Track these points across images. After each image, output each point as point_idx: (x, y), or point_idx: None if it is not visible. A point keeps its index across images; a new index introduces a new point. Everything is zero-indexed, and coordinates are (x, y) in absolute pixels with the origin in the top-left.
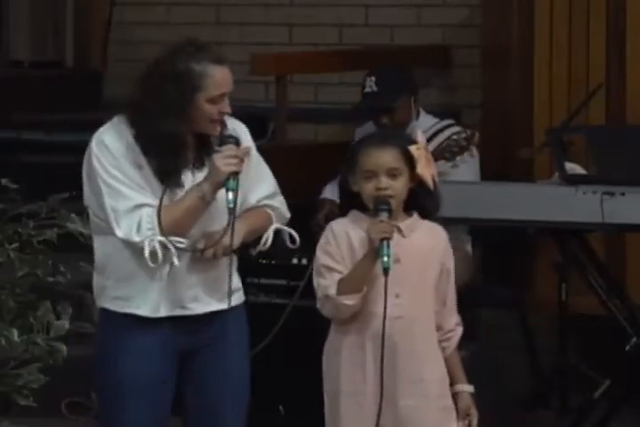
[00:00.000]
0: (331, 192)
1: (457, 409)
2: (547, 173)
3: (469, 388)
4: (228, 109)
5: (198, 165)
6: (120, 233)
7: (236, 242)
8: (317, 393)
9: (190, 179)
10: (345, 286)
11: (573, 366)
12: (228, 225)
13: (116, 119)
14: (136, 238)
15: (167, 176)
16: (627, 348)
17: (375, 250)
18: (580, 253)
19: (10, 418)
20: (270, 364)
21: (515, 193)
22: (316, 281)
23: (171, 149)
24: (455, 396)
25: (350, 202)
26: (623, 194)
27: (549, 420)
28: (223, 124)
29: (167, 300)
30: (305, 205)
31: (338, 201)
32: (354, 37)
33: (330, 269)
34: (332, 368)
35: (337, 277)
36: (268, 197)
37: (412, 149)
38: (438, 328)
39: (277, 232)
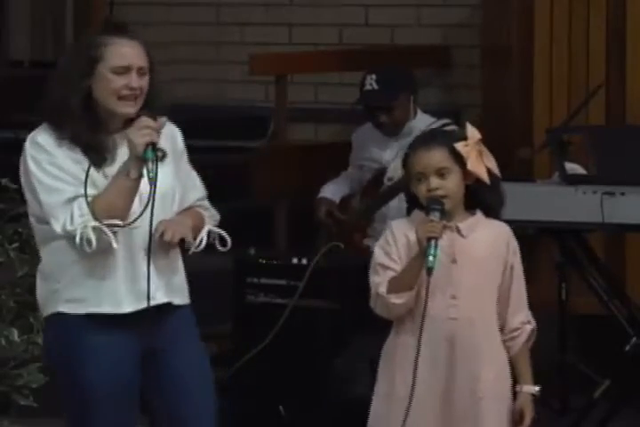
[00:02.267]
0: (329, 191)
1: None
2: (547, 173)
3: (531, 389)
4: (135, 84)
5: (116, 143)
6: (57, 228)
7: (187, 234)
8: (317, 393)
9: (117, 168)
10: (395, 284)
11: (573, 366)
12: (149, 198)
13: (44, 124)
14: (69, 228)
15: (87, 147)
16: (627, 348)
17: (422, 249)
18: (579, 253)
19: (10, 418)
20: (270, 364)
21: (515, 193)
22: (370, 279)
23: (68, 116)
24: (516, 396)
25: (413, 203)
26: (623, 194)
27: (549, 420)
28: (136, 103)
29: (130, 293)
30: (305, 205)
31: (336, 200)
32: (354, 37)
33: (385, 267)
34: (387, 369)
35: (391, 275)
36: (202, 198)
37: (459, 146)
38: (502, 328)
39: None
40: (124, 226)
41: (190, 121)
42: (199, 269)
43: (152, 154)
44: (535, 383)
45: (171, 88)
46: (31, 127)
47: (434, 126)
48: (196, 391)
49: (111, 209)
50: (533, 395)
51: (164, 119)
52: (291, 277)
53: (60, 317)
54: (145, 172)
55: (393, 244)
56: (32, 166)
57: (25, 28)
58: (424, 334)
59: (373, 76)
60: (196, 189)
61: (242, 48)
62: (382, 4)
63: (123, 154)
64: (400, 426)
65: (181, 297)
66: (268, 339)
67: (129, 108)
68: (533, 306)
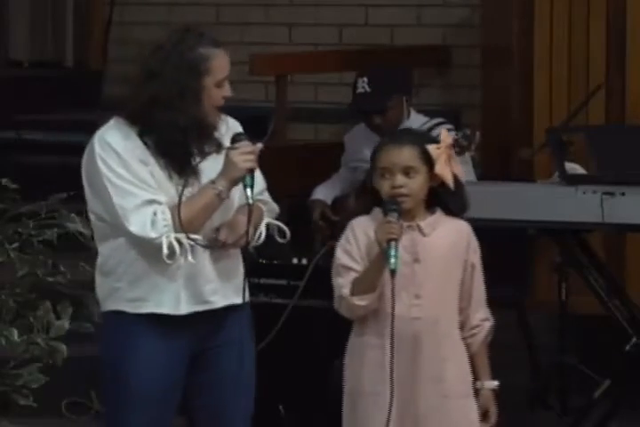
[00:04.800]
0: (322, 193)
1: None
2: (547, 173)
3: (491, 384)
4: (229, 93)
5: (200, 155)
6: (133, 229)
7: (252, 235)
8: (317, 393)
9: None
10: (358, 286)
11: (573, 366)
12: (248, 221)
13: (113, 120)
14: (152, 235)
15: (188, 165)
16: (627, 348)
17: (383, 251)
18: (579, 253)
19: (10, 418)
20: (270, 364)
21: (515, 193)
22: (333, 280)
23: (195, 135)
24: (477, 393)
25: (373, 200)
26: (623, 194)
27: (549, 420)
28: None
29: (188, 295)
30: (304, 205)
31: (329, 202)
32: (354, 37)
33: (347, 268)
34: (353, 369)
35: (353, 276)
36: (260, 192)
37: (431, 148)
38: (462, 325)
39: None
40: (205, 246)
41: None
42: None
43: (250, 180)
44: (535, 383)
45: None
46: (31, 127)
47: (427, 126)
48: (239, 393)
49: (193, 223)
50: (494, 390)
51: (259, 145)
52: (291, 277)
53: (119, 315)
54: (245, 197)
55: (354, 243)
56: (102, 167)
57: (25, 28)
58: (386, 334)
59: (365, 79)
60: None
61: (242, 48)
62: (382, 4)
63: (205, 167)
64: (366, 422)
65: (240, 297)
66: (268, 339)
67: (217, 116)
68: (533, 306)
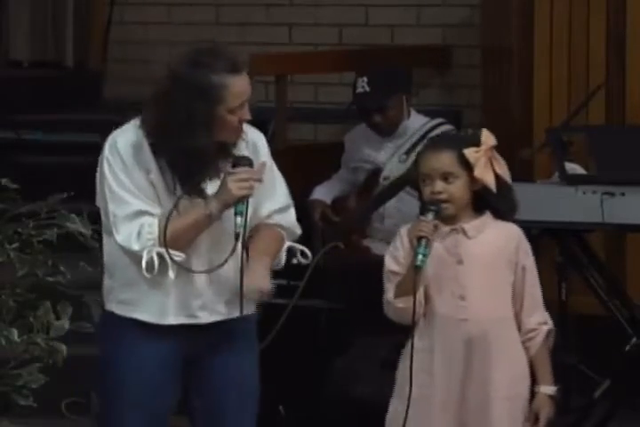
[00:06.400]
0: (321, 193)
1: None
2: (547, 173)
3: (548, 389)
4: (248, 117)
5: (215, 174)
6: (119, 238)
7: (268, 287)
8: (317, 393)
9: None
10: (399, 289)
11: (573, 366)
12: (233, 250)
13: (132, 123)
14: (135, 247)
15: (194, 188)
16: (627, 348)
17: (412, 248)
18: (579, 253)
19: (10, 418)
20: (270, 364)
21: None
22: (384, 286)
23: (200, 162)
24: (534, 396)
25: (423, 203)
26: (623, 194)
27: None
28: (241, 132)
29: (175, 307)
30: (304, 205)
31: (328, 202)
32: (354, 37)
33: (394, 273)
34: (404, 371)
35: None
36: (280, 210)
37: (468, 152)
38: (519, 328)
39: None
40: (193, 271)
41: None
42: None
43: (243, 208)
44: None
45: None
46: (31, 127)
47: (428, 126)
48: (239, 395)
49: (178, 240)
50: (551, 396)
51: (262, 165)
52: (291, 278)
53: (111, 315)
54: (234, 226)
55: (401, 248)
56: (106, 171)
57: (25, 28)
58: (439, 336)
59: (365, 79)
60: (272, 200)
61: (242, 48)
62: (382, 4)
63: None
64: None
65: (246, 309)
66: (268, 339)
67: (235, 137)
68: None
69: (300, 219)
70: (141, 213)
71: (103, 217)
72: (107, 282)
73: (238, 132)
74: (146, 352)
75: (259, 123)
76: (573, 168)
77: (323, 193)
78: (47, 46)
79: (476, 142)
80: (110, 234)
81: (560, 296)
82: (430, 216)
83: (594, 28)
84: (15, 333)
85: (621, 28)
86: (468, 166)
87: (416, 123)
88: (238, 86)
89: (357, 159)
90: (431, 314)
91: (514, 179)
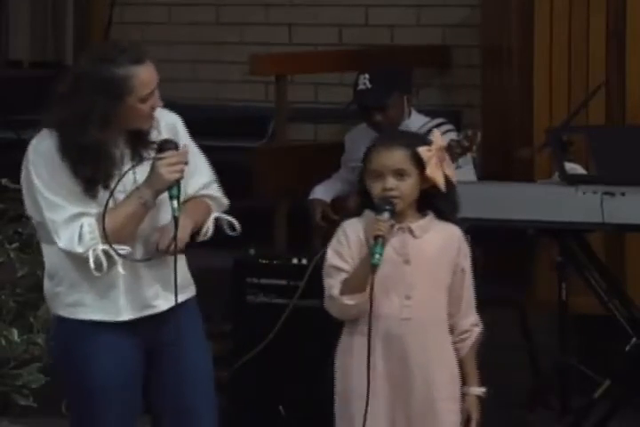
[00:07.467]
0: (321, 193)
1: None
2: (547, 173)
3: (477, 390)
4: (159, 103)
5: (137, 161)
6: (61, 244)
7: (185, 239)
8: (317, 393)
9: (132, 178)
10: (347, 286)
11: (573, 366)
12: (174, 236)
13: (46, 131)
14: (79, 249)
15: (102, 183)
16: (627, 348)
17: (369, 247)
18: (579, 253)
19: (10, 418)
20: (270, 364)
21: (515, 193)
22: (324, 281)
23: (99, 158)
24: (463, 398)
25: (364, 201)
26: (623, 194)
27: (549, 420)
28: (153, 119)
29: (129, 301)
30: (304, 205)
31: (328, 202)
32: (354, 37)
33: (338, 269)
34: (344, 369)
35: (343, 277)
36: (205, 186)
37: (422, 150)
38: (452, 330)
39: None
40: (140, 260)
41: (190, 121)
42: (199, 269)
43: (177, 191)
44: (535, 383)
45: (171, 88)
46: (31, 127)
47: (429, 126)
48: (201, 384)
49: (120, 233)
50: (479, 396)
51: (185, 147)
52: (291, 277)
53: (61, 319)
54: (170, 209)
55: (345, 244)
56: (34, 178)
57: (25, 28)
58: (379, 333)
59: (366, 76)
60: (200, 175)
61: (242, 48)
62: (382, 4)
63: (143, 171)
64: (358, 423)
65: (185, 293)
66: (268, 339)
67: (148, 124)
68: (533, 306)
69: (301, 217)
70: (78, 215)
71: (36, 226)
72: (50, 286)
73: (150, 119)
74: (108, 347)
75: (259, 123)
76: (573, 168)
77: (322, 192)
78: (47, 46)
79: (427, 142)
80: (48, 241)
81: (560, 296)
82: (386, 215)
83: (594, 28)
84: (15, 333)
85: (621, 27)
86: (419, 165)
87: (416, 122)
88: (144, 76)
89: (357, 159)
90: (374, 312)
91: (514, 179)
